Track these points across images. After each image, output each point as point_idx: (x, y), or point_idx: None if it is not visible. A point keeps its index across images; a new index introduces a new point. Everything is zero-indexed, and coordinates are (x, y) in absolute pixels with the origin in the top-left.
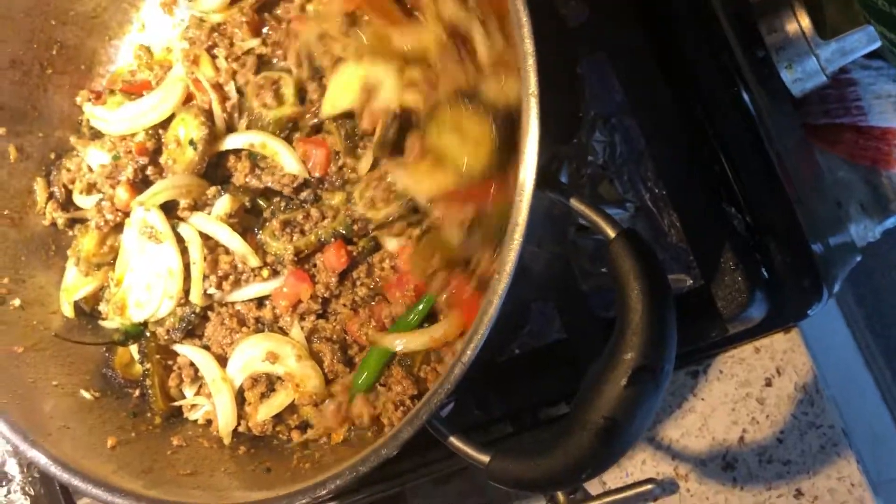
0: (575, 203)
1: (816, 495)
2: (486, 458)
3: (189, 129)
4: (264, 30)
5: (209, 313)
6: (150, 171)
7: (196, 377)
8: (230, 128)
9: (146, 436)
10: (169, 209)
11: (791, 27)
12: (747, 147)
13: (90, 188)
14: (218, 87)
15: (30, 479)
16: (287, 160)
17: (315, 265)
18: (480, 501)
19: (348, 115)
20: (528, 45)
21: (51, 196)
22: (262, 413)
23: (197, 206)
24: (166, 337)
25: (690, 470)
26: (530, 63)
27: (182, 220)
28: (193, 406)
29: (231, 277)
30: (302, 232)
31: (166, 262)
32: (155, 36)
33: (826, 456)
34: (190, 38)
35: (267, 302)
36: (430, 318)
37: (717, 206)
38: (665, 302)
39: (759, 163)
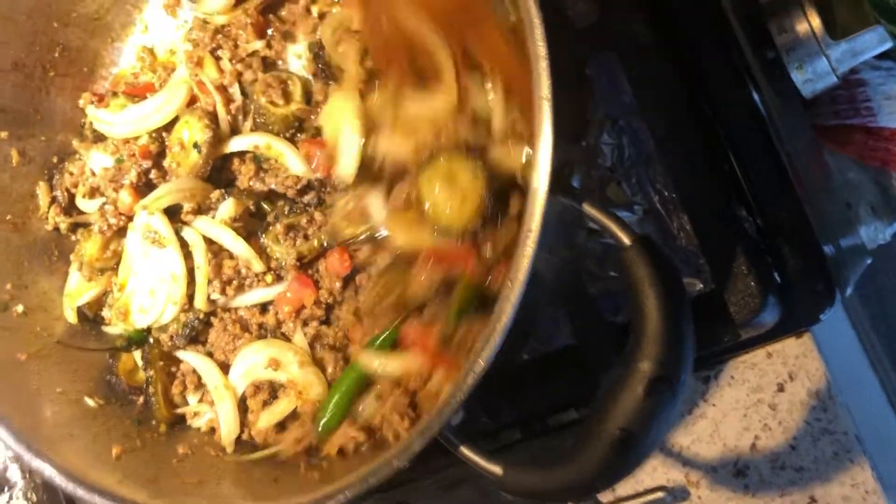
0: (588, 208)
1: (830, 502)
2: (498, 469)
3: (193, 131)
4: (269, 31)
5: (212, 319)
6: (153, 174)
7: (199, 384)
8: (234, 130)
9: (151, 444)
10: (172, 213)
11: (801, 27)
12: (757, 148)
13: (93, 192)
14: (222, 90)
15: (32, 485)
16: (292, 161)
17: (318, 270)
18: None
19: None
20: (541, 48)
21: (53, 200)
22: (264, 420)
23: (201, 210)
24: (170, 343)
25: (702, 477)
26: (543, 66)
27: (186, 224)
28: (196, 413)
29: (235, 282)
30: (305, 237)
31: (170, 267)
32: (158, 38)
33: (839, 462)
34: (193, 40)
35: (270, 307)
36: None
37: (727, 209)
38: (682, 310)
39: (770, 164)
